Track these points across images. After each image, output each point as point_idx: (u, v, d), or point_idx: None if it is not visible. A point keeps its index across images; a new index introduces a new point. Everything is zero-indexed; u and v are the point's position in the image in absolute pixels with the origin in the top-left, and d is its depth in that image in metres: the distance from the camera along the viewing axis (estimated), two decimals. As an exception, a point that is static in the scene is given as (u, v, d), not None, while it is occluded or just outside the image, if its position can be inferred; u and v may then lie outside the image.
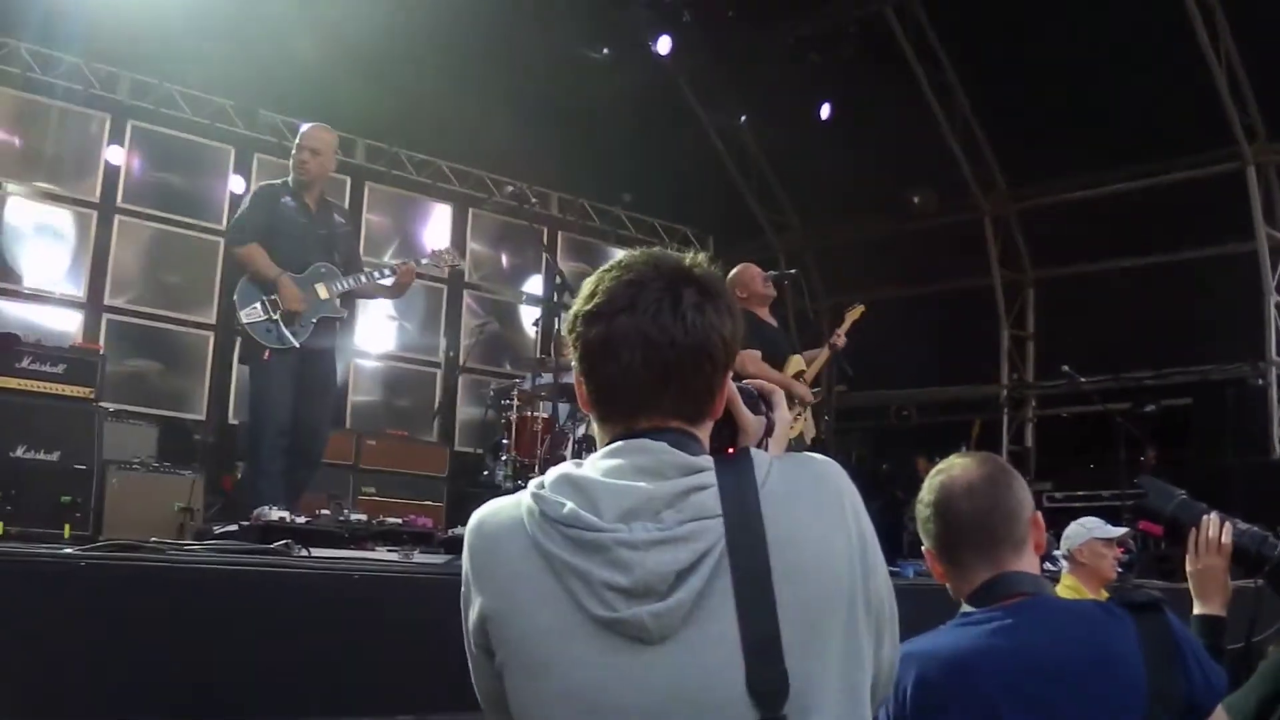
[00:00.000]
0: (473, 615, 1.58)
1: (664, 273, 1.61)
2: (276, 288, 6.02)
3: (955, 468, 2.29)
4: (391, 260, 6.50)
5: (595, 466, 1.58)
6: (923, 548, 2.33)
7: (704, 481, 1.52)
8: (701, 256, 1.68)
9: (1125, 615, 2.09)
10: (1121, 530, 4.67)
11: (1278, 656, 2.61)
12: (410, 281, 6.60)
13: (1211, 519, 2.66)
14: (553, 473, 1.59)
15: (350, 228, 6.68)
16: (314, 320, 6.13)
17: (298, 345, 6.04)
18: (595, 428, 1.70)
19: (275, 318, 5.99)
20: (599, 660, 1.47)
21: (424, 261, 6.79)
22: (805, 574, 1.50)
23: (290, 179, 6.38)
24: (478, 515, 1.63)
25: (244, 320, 6.01)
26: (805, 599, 1.49)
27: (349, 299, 6.58)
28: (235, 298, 6.13)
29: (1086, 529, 4.55)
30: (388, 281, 6.54)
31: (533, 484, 1.59)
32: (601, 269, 1.67)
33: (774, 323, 7.31)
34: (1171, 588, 7.43)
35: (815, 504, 1.57)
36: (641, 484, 1.52)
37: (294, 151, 6.38)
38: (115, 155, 10.82)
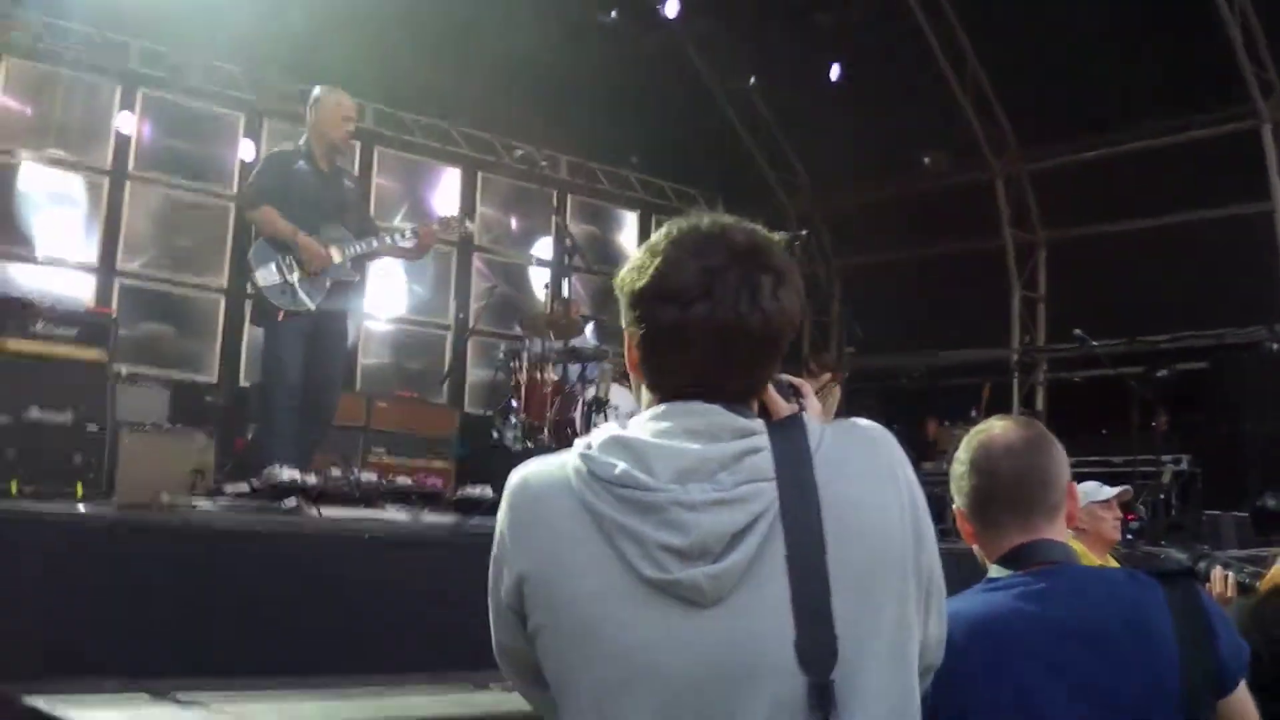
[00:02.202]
0: (507, 577, 1.55)
1: (739, 257, 1.56)
2: (297, 247, 6.02)
3: (996, 428, 2.25)
4: (404, 224, 6.54)
5: (644, 428, 1.55)
6: (953, 506, 2.30)
7: (758, 444, 1.50)
8: (777, 235, 1.64)
9: (1155, 584, 2.07)
10: (1117, 490, 4.64)
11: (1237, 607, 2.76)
12: (432, 243, 6.66)
13: (1216, 574, 3.22)
14: (600, 433, 1.56)
15: (360, 192, 6.71)
16: (328, 283, 6.15)
17: (313, 308, 6.07)
18: (642, 390, 1.67)
19: (291, 280, 6.01)
20: (648, 622, 1.44)
21: (434, 226, 6.77)
22: (858, 539, 1.49)
23: (305, 142, 6.36)
24: (520, 473, 1.59)
25: (260, 282, 6.02)
26: (858, 564, 1.48)
27: (361, 262, 6.57)
28: (250, 258, 6.13)
29: (1084, 494, 4.53)
30: (409, 244, 6.55)
31: (579, 444, 1.56)
32: (668, 239, 1.60)
33: None
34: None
35: (869, 470, 1.56)
36: (695, 446, 1.49)
37: (327, 115, 6.31)
38: (126, 123, 10.85)
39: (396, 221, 11.84)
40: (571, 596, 1.48)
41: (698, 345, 1.53)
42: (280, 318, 5.99)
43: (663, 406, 1.57)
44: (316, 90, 6.53)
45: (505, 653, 1.63)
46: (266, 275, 6.00)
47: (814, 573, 1.44)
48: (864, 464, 1.56)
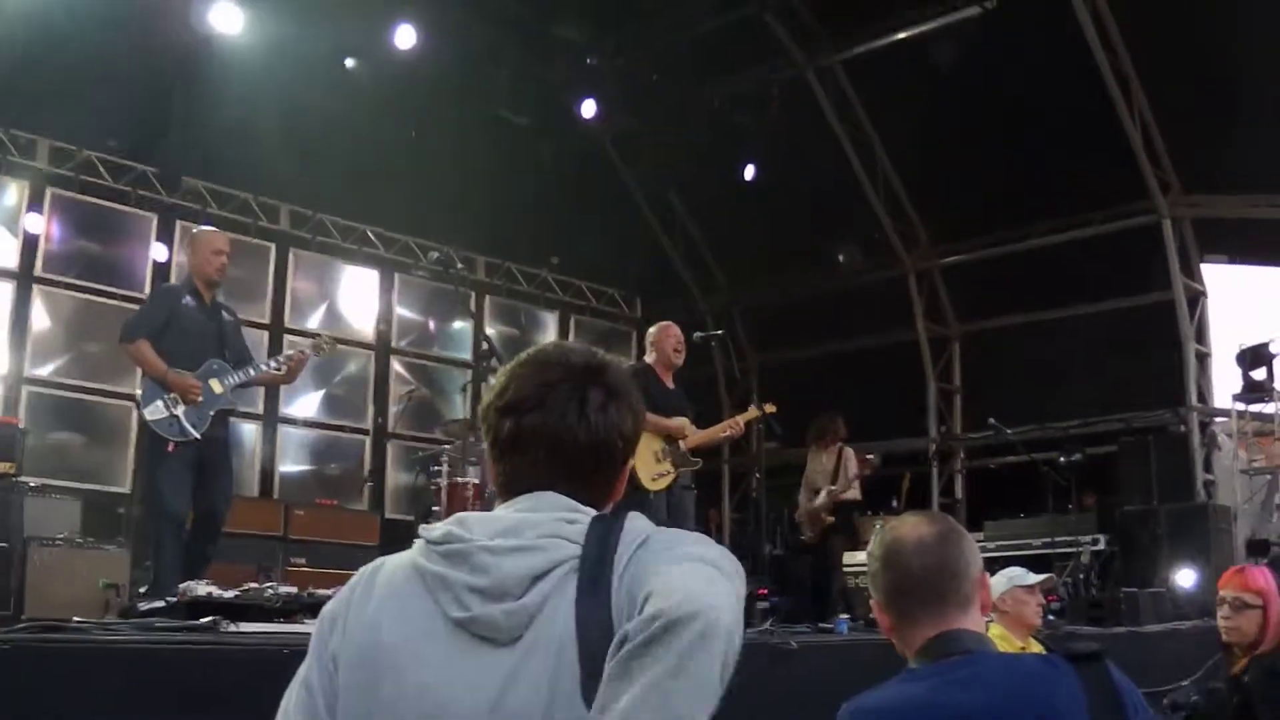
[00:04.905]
0: (331, 644, 1.63)
1: (574, 373, 1.72)
2: (168, 384, 6.39)
3: (907, 523, 2.32)
4: (276, 357, 7.09)
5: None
6: (870, 600, 2.35)
7: (576, 518, 1.62)
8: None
9: (1067, 667, 2.11)
10: (1041, 577, 4.75)
11: None
12: (300, 369, 7.07)
13: None
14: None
15: (237, 323, 7.08)
16: (211, 413, 6.52)
17: (199, 437, 6.41)
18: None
19: (177, 413, 6.38)
20: (448, 660, 1.54)
21: (304, 353, 7.11)
22: (629, 605, 1.49)
23: (188, 278, 6.80)
24: (377, 561, 1.73)
25: (148, 418, 6.39)
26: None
27: (242, 391, 6.95)
28: (139, 397, 6.66)
29: (1008, 578, 4.65)
30: (280, 371, 6.97)
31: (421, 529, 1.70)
32: (516, 362, 1.78)
33: (671, 385, 7.68)
34: (1104, 633, 7.53)
35: (667, 562, 1.53)
36: (517, 514, 1.64)
37: (200, 253, 6.76)
38: (34, 223, 10.63)
39: (311, 324, 11.87)
40: (385, 642, 1.59)
41: (531, 451, 1.69)
42: (170, 449, 6.36)
43: (512, 499, 1.70)
44: (193, 230, 7.19)
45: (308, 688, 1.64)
46: (154, 411, 6.37)
47: (598, 620, 1.51)
48: (664, 557, 1.54)
